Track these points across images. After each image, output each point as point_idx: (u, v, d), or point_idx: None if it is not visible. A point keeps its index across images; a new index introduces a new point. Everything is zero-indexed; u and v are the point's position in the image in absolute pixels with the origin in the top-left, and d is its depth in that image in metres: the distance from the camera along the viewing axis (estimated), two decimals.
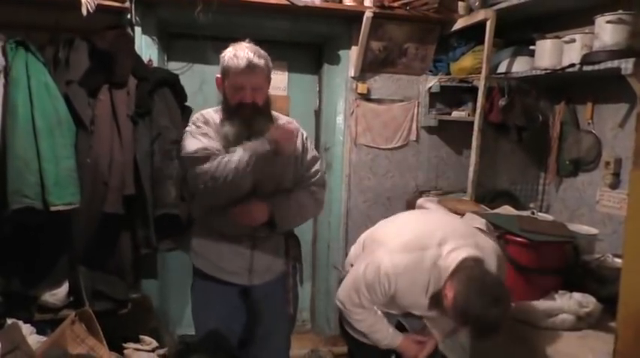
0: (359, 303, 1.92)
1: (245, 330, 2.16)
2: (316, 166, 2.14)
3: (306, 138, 2.14)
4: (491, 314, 1.66)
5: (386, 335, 1.99)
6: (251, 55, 1.91)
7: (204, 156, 1.88)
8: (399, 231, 1.96)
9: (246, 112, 1.93)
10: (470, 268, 1.75)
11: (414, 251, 1.83)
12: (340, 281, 2.14)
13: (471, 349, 2.36)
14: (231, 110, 1.95)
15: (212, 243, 2.05)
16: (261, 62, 1.94)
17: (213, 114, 2.04)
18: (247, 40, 2.00)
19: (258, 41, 3.45)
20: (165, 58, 3.21)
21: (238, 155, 1.85)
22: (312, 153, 2.15)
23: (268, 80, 2.04)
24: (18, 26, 2.49)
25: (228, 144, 1.93)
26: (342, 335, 2.24)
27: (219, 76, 1.99)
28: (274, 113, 2.09)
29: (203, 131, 1.96)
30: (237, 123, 1.94)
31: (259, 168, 1.89)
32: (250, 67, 1.89)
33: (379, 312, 1.97)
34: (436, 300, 1.85)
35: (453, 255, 1.78)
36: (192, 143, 1.93)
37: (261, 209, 1.96)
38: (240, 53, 1.90)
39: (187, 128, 2.03)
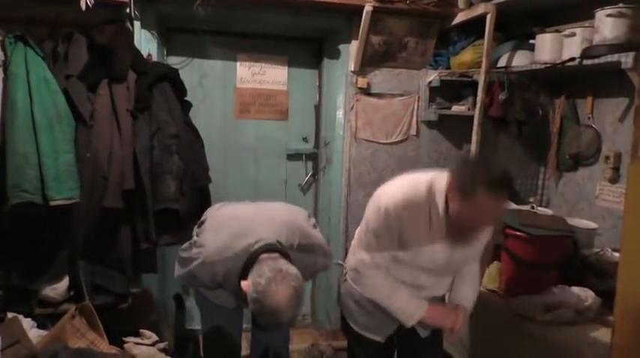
0: (371, 261, 1.87)
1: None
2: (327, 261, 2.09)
3: (324, 252, 2.03)
4: (494, 167, 1.65)
5: (408, 301, 1.88)
6: (287, 318, 1.68)
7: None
8: (391, 183, 1.95)
9: None
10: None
11: (409, 189, 1.83)
12: (344, 277, 2.09)
13: (470, 344, 2.37)
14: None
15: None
16: (291, 320, 1.73)
17: (226, 273, 1.86)
18: (281, 271, 1.71)
19: (257, 35, 3.47)
20: (165, 53, 3.21)
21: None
22: (326, 258, 2.06)
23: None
24: (17, 20, 2.49)
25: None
26: (343, 330, 2.22)
27: (247, 287, 1.72)
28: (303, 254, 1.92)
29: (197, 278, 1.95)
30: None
31: None
32: (279, 324, 1.72)
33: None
34: (445, 229, 1.80)
35: (443, 175, 1.78)
36: (187, 275, 1.99)
37: None
38: (276, 313, 1.65)
39: (204, 255, 1.88)
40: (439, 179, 1.78)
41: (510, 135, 3.33)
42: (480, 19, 2.91)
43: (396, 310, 1.89)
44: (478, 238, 1.87)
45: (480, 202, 1.62)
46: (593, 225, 2.70)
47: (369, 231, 1.88)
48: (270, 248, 1.78)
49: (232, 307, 2.10)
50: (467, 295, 2.00)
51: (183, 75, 2.81)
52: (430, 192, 1.79)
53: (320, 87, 3.56)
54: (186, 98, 2.83)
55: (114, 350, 2.25)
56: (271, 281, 1.65)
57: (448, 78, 3.24)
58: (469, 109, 3.15)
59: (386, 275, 1.89)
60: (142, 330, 2.55)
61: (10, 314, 2.26)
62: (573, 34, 2.62)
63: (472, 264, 1.99)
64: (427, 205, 1.80)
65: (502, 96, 3.07)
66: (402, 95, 3.33)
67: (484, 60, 2.90)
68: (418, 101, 3.35)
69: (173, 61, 3.22)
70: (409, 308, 1.88)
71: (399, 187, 1.85)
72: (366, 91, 3.27)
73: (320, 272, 2.11)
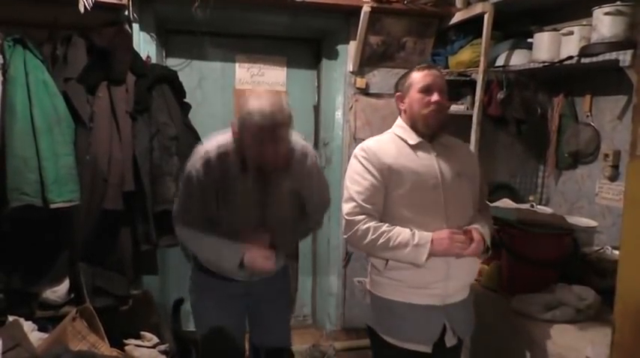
0: (356, 206, 1.82)
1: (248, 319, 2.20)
2: (324, 191, 2.13)
3: (317, 166, 2.07)
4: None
5: (411, 233, 1.78)
6: (275, 111, 1.72)
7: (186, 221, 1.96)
8: None
9: (264, 168, 1.84)
10: None
11: (374, 137, 1.98)
12: (364, 295, 2.04)
13: (470, 342, 2.37)
14: (247, 161, 1.84)
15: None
16: (285, 118, 1.75)
17: (220, 150, 1.90)
18: (265, 90, 1.92)
19: (256, 37, 3.47)
20: (164, 55, 3.21)
21: (211, 252, 1.96)
22: (321, 179, 2.12)
23: (289, 131, 1.84)
24: (16, 23, 2.50)
25: (239, 175, 1.89)
26: (375, 348, 2.05)
27: (234, 121, 1.83)
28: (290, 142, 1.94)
29: (195, 183, 1.90)
30: (252, 175, 1.87)
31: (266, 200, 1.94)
32: (273, 126, 1.72)
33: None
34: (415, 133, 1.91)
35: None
36: (182, 198, 1.98)
37: (270, 258, 1.93)
38: (263, 109, 1.71)
39: (187, 170, 1.93)
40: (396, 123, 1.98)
41: (509, 133, 3.33)
42: (478, 19, 2.91)
43: (401, 248, 1.77)
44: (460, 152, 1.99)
45: (416, 79, 1.88)
46: (592, 223, 2.70)
47: (350, 184, 1.87)
48: None
49: (234, 269, 1.93)
50: (478, 225, 1.90)
51: (182, 76, 2.82)
52: (392, 131, 1.96)
53: (319, 87, 3.56)
54: (186, 100, 2.84)
55: (115, 352, 2.25)
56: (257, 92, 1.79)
57: (446, 77, 3.20)
58: (468, 108, 3.15)
59: (375, 219, 1.83)
60: (142, 332, 2.56)
61: (11, 317, 2.27)
62: (571, 33, 2.62)
63: (474, 208, 1.96)
64: (393, 136, 1.93)
65: (501, 95, 3.07)
66: None
67: (482, 59, 2.90)
68: None
69: (172, 62, 3.22)
70: (414, 239, 1.77)
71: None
72: (365, 91, 3.27)
73: (315, 189, 2.07)
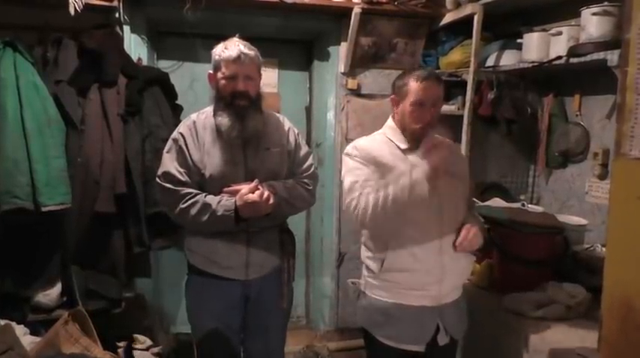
0: (358, 183, 1.85)
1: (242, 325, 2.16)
2: (308, 161, 2.17)
3: (298, 134, 2.19)
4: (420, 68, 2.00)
5: (400, 173, 1.81)
6: (241, 46, 1.98)
7: (174, 191, 1.95)
8: None
9: (239, 102, 1.97)
10: None
11: (366, 137, 2.04)
12: (360, 292, 2.04)
13: (461, 340, 2.38)
14: (225, 101, 1.98)
15: (206, 239, 2.03)
16: (251, 53, 2.01)
17: (201, 116, 2.11)
18: (237, 36, 2.06)
19: (247, 38, 3.46)
20: (155, 57, 3.21)
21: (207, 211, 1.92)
22: (304, 149, 2.18)
23: (259, 73, 2.08)
24: (6, 26, 2.49)
25: (220, 136, 2.00)
26: (369, 349, 2.06)
27: (211, 71, 2.04)
28: (265, 109, 2.11)
29: (182, 147, 2.02)
30: (229, 113, 1.97)
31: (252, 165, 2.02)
32: (241, 56, 1.96)
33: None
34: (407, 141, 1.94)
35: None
36: (168, 164, 2.02)
37: (266, 201, 1.92)
38: (231, 45, 1.98)
39: (172, 135, 2.09)
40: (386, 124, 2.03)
41: (500, 133, 3.34)
42: (468, 20, 2.93)
43: (397, 190, 1.76)
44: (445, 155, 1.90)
45: (413, 90, 1.86)
46: (583, 221, 2.72)
47: (346, 178, 1.90)
48: None
49: (229, 221, 1.93)
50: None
51: (174, 78, 2.82)
52: (383, 132, 2.01)
53: (310, 89, 3.57)
54: (178, 102, 2.83)
55: (108, 355, 2.25)
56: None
57: None
58: (459, 109, 3.17)
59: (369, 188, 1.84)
60: (135, 335, 2.55)
61: (2, 321, 2.25)
62: (560, 33, 2.64)
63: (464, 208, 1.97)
64: (385, 138, 1.97)
65: (491, 96, 3.09)
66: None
67: (472, 59, 2.92)
68: None
69: (164, 64, 3.22)
70: (405, 176, 1.78)
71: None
72: (357, 92, 3.28)
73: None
